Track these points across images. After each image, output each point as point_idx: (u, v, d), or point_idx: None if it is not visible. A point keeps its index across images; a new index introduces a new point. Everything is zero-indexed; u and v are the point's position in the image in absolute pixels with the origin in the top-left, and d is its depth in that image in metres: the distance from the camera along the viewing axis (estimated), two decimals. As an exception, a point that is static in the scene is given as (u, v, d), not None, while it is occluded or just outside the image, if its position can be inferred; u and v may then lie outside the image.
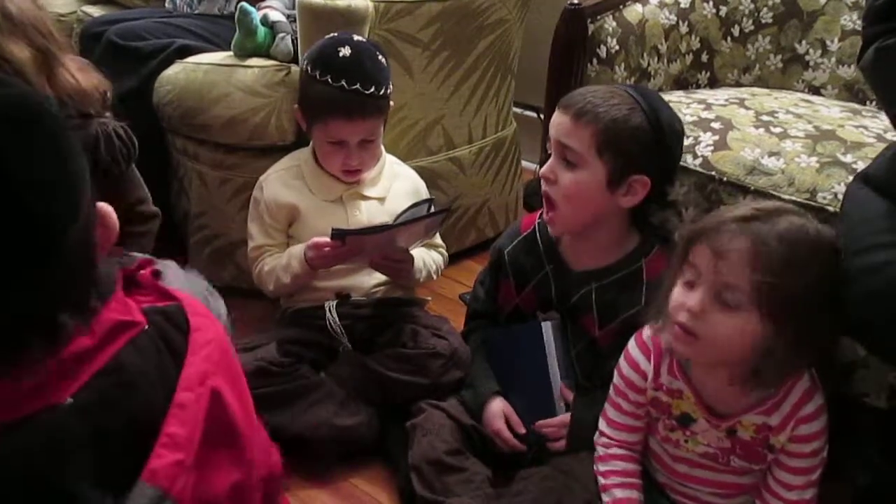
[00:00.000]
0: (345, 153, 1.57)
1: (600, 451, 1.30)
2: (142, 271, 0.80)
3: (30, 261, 0.63)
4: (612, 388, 1.29)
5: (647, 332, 1.24)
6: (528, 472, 1.37)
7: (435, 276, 1.70)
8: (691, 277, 1.12)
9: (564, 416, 1.41)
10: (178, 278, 0.84)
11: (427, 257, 1.67)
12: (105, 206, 0.73)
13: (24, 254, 0.63)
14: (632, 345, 1.27)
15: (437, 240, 1.71)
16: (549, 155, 1.39)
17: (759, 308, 1.07)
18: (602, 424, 1.31)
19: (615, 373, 1.28)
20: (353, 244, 1.49)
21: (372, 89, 1.53)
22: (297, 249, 1.57)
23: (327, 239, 1.49)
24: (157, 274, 0.81)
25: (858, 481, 1.27)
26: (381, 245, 1.54)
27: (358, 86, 1.52)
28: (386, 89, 1.56)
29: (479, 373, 1.52)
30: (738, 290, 1.07)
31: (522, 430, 1.43)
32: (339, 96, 1.52)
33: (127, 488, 0.66)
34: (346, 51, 1.53)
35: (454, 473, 1.35)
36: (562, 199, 1.36)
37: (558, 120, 1.36)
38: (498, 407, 1.46)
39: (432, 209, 1.56)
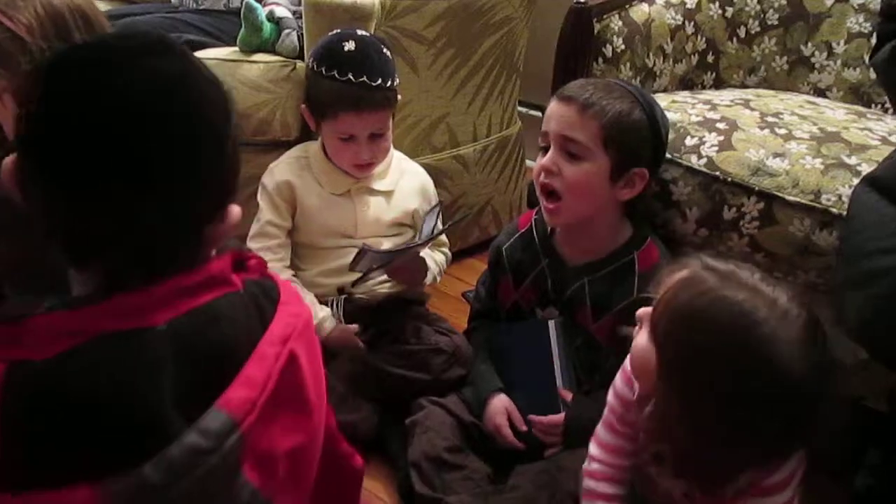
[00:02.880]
0: (355, 148, 1.56)
1: (584, 483, 1.18)
2: (252, 259, 0.86)
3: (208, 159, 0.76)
4: (606, 408, 1.21)
5: None
6: (524, 467, 1.37)
7: (439, 278, 1.70)
8: None
9: (559, 417, 1.40)
10: None
11: (432, 259, 1.67)
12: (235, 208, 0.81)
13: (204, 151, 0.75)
14: (627, 360, 1.18)
15: (443, 238, 1.71)
16: (544, 147, 1.38)
17: (656, 346, 0.98)
18: (592, 447, 1.19)
19: (611, 390, 1.20)
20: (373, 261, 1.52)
21: (379, 81, 1.53)
22: (323, 317, 1.56)
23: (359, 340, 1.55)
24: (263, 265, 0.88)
25: (858, 484, 1.27)
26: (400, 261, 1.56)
27: (365, 78, 1.52)
28: (393, 82, 1.56)
29: (481, 370, 1.52)
30: (650, 319, 1.01)
31: (524, 428, 1.43)
32: (346, 90, 1.52)
33: (195, 419, 0.71)
34: (350, 45, 1.54)
35: (454, 471, 1.35)
36: (566, 190, 1.36)
37: (561, 112, 1.36)
38: (500, 403, 1.45)
39: (439, 216, 1.59)
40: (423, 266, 1.59)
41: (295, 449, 0.79)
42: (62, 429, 0.67)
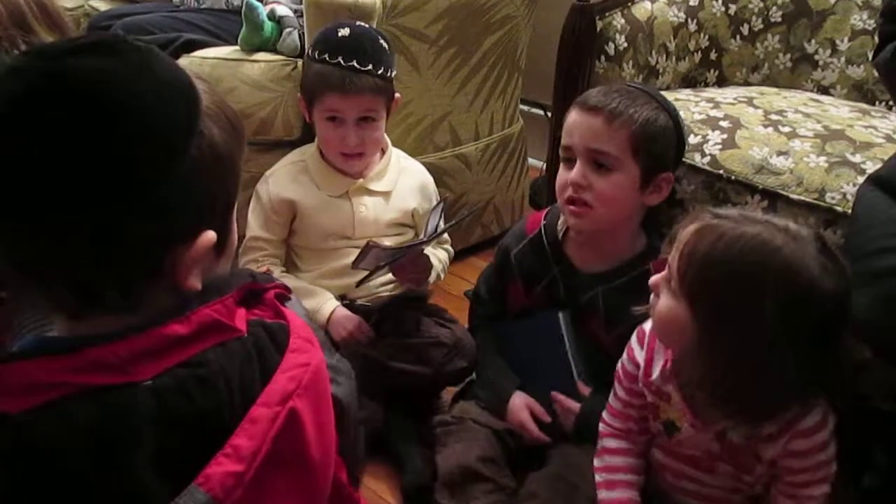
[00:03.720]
0: (342, 132, 1.54)
1: (598, 444, 1.26)
2: (269, 291, 0.79)
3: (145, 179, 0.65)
4: (615, 382, 1.27)
5: (648, 324, 1.22)
6: (538, 473, 1.36)
7: (442, 276, 1.70)
8: None
9: (576, 405, 1.39)
10: (297, 310, 0.84)
11: (435, 257, 1.66)
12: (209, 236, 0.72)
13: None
14: (634, 335, 1.24)
15: (445, 235, 1.70)
16: (567, 158, 1.35)
17: (688, 301, 1.02)
18: (604, 412, 1.28)
19: (620, 360, 1.26)
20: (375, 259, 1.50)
21: (369, 67, 1.51)
22: (326, 305, 1.56)
23: (361, 323, 1.54)
24: (281, 297, 0.81)
25: (864, 484, 1.26)
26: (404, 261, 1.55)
27: (354, 62, 1.50)
28: (386, 71, 1.54)
29: (496, 371, 1.50)
30: (674, 276, 1.04)
31: (548, 419, 1.42)
32: (334, 72, 1.51)
33: (180, 489, 0.66)
34: (345, 31, 1.53)
35: (483, 482, 1.34)
36: (598, 202, 1.33)
37: (586, 123, 1.32)
38: (521, 400, 1.44)
39: (442, 214, 1.58)
40: (427, 264, 1.58)
41: None
42: (33, 491, 0.63)
